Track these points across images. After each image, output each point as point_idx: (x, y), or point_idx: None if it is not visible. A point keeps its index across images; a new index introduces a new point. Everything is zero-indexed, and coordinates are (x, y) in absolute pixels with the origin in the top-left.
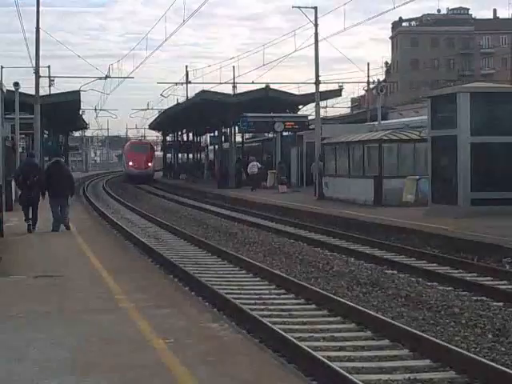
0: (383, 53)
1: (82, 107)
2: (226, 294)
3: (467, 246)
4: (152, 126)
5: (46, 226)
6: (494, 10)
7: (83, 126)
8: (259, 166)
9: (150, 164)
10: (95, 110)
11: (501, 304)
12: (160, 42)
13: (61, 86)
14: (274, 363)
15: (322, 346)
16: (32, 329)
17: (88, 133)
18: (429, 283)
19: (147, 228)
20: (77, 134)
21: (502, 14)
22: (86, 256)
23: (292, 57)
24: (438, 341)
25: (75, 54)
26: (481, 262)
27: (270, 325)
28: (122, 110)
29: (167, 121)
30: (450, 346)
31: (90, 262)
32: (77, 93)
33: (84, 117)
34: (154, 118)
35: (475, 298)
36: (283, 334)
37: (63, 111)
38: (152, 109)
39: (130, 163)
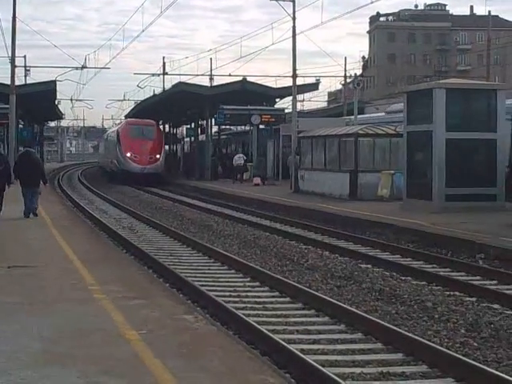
0: (361, 47)
1: (57, 97)
2: (201, 286)
3: (441, 241)
4: (128, 117)
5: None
6: (471, 7)
7: (59, 116)
8: (245, 158)
9: (158, 156)
10: (71, 100)
11: (474, 299)
12: (137, 33)
13: (37, 76)
14: (248, 355)
15: (296, 338)
16: (3, 320)
17: (64, 123)
18: (403, 277)
19: (122, 219)
20: (52, 124)
21: (479, 10)
22: (60, 247)
23: (269, 50)
24: (410, 335)
25: (52, 44)
26: (454, 257)
27: (244, 317)
28: (99, 100)
29: (143, 112)
30: (422, 340)
31: (65, 252)
32: (53, 83)
33: (60, 107)
34: (130, 109)
35: (448, 292)
36: (257, 326)
37: (39, 101)
38: (128, 100)
39: (128, 154)
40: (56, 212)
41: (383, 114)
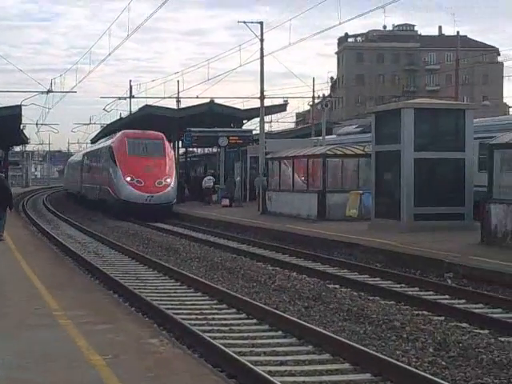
0: (329, 68)
1: (23, 122)
2: (167, 309)
3: (410, 261)
4: (94, 141)
5: None
6: (440, 27)
7: (24, 141)
8: (214, 180)
9: (169, 180)
10: (36, 124)
11: (442, 318)
12: (104, 57)
13: (2, 101)
14: (214, 378)
15: (263, 360)
16: None
17: (29, 147)
18: (371, 297)
19: (88, 243)
20: (17, 148)
21: (448, 31)
22: (24, 272)
23: (237, 72)
24: (378, 354)
25: (17, 68)
26: (423, 276)
27: (211, 340)
28: (64, 124)
29: (110, 135)
30: (390, 359)
31: (28, 277)
32: (18, 107)
33: (25, 131)
34: (96, 132)
35: (417, 312)
36: (223, 348)
37: (3, 126)
38: (95, 123)
39: (129, 179)
40: (20, 237)
41: (335, 136)
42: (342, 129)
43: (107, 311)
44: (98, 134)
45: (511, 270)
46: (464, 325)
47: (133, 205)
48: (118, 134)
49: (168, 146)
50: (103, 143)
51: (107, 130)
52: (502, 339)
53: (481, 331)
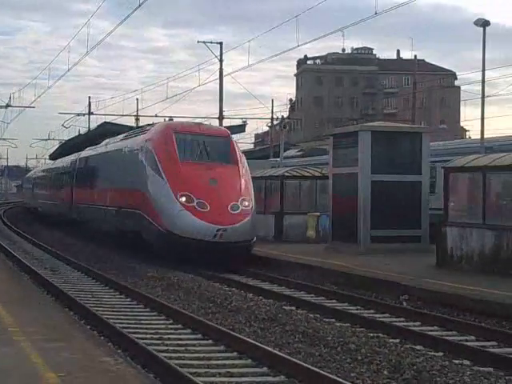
0: (288, 90)
1: None
2: (122, 328)
3: (366, 283)
4: (53, 157)
5: None
6: (398, 51)
7: None
8: None
9: (248, 203)
10: None
11: (397, 341)
12: (63, 72)
13: None
14: None
15: (218, 381)
16: None
17: None
18: (326, 319)
19: (44, 260)
20: None
21: (405, 54)
22: None
23: (196, 91)
24: (333, 377)
25: None
26: (379, 298)
27: (166, 359)
28: (23, 139)
29: (68, 151)
30: (345, 382)
31: None
32: None
33: None
34: (55, 148)
35: (372, 334)
36: (178, 369)
37: None
38: (53, 139)
39: (183, 199)
40: None
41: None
42: (285, 152)
43: (62, 328)
44: (57, 149)
45: (466, 293)
46: (419, 347)
47: (191, 243)
48: (156, 126)
49: (237, 147)
50: (122, 141)
51: (66, 146)
52: (456, 362)
53: (435, 354)
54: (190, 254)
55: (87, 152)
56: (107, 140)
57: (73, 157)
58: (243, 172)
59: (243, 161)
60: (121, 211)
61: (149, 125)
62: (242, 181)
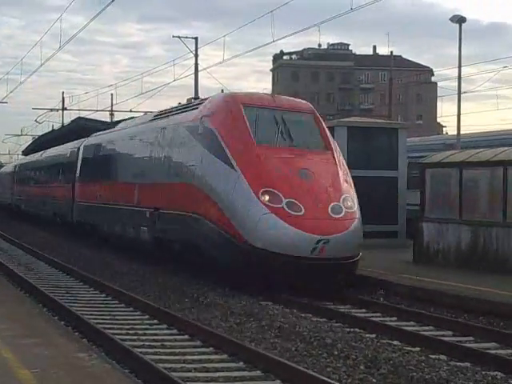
0: (264, 85)
1: None
2: (97, 323)
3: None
4: (26, 153)
5: None
6: (374, 47)
7: None
8: None
9: (351, 203)
10: None
11: (373, 336)
12: (36, 67)
13: None
14: None
15: (193, 376)
16: None
17: None
18: (303, 314)
19: (19, 256)
20: None
21: (382, 50)
22: None
23: (172, 86)
24: (309, 372)
25: None
26: (356, 294)
27: (141, 355)
28: None
29: (42, 147)
30: (321, 376)
31: None
32: None
33: None
34: (28, 144)
35: (348, 329)
36: (154, 364)
37: None
38: (26, 134)
39: (266, 198)
40: None
41: None
42: None
43: (36, 325)
44: (30, 145)
45: (442, 288)
46: (395, 342)
47: (279, 260)
48: (216, 99)
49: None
50: (156, 120)
51: (39, 141)
52: (433, 357)
53: (412, 349)
54: (275, 276)
55: (97, 138)
56: (126, 122)
57: (72, 145)
58: (340, 161)
59: (337, 146)
60: (160, 214)
61: (195, 99)
62: (341, 173)
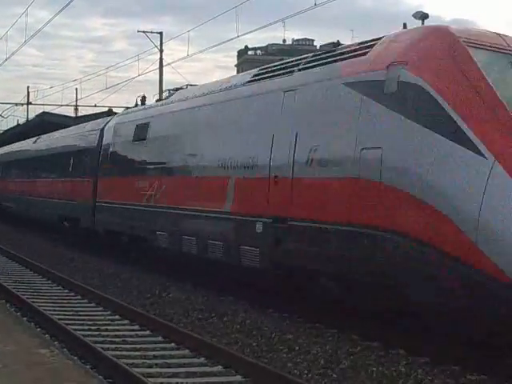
0: None
1: None
2: (59, 319)
3: None
4: None
5: None
6: (338, 42)
7: None
8: None
9: None
10: None
11: (335, 331)
12: (1, 62)
13: None
14: None
15: (155, 372)
16: None
17: None
18: (265, 310)
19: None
20: None
21: None
22: None
23: (137, 81)
24: (270, 367)
25: None
26: None
27: (102, 351)
28: None
29: (6, 142)
30: (281, 372)
31: None
32: None
33: None
34: None
35: (310, 324)
36: (115, 360)
37: None
38: None
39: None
40: None
41: None
42: None
43: None
44: None
45: None
46: (355, 337)
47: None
48: (416, 34)
49: None
50: (271, 79)
51: (4, 137)
52: (393, 351)
53: (371, 343)
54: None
55: (135, 115)
56: (189, 90)
57: (89, 126)
58: None
59: None
60: (291, 227)
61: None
62: None
